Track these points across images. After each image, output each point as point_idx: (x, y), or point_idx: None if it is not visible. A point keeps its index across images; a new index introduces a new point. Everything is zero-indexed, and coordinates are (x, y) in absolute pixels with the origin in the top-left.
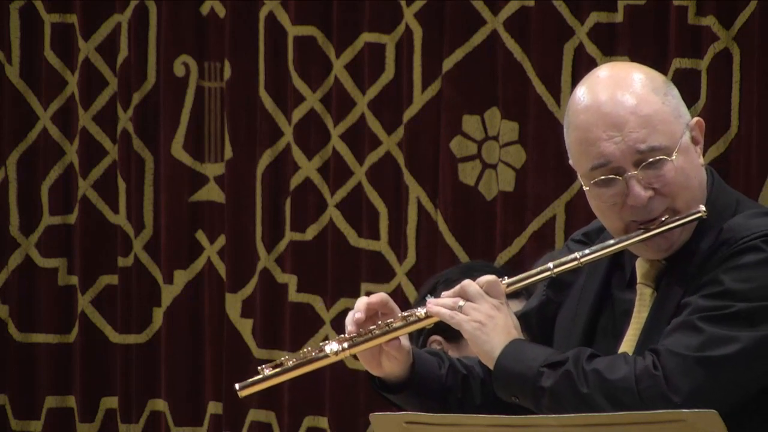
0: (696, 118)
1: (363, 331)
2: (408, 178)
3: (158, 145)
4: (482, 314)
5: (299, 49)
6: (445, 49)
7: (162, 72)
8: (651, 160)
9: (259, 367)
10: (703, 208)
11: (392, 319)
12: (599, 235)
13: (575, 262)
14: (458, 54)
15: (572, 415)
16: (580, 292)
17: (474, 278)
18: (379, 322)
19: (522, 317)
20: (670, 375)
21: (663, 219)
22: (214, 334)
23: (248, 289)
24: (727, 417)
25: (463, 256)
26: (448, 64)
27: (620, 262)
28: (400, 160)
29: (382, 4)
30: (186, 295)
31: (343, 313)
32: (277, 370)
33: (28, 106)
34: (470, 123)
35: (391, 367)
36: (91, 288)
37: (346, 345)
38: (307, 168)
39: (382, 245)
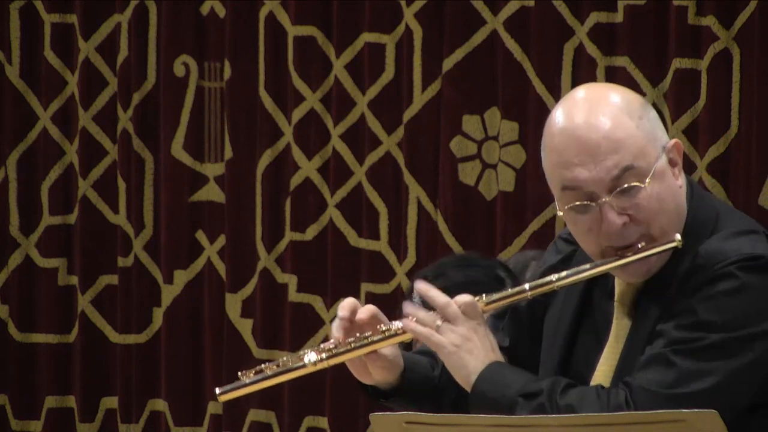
0: (674, 140)
1: (342, 343)
2: (408, 178)
3: (158, 145)
4: (459, 336)
5: (299, 49)
6: (445, 49)
7: (162, 72)
8: (625, 186)
9: (239, 373)
10: (678, 237)
11: (371, 332)
12: None
13: (551, 285)
14: (458, 54)
15: (572, 415)
16: (564, 295)
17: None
18: (358, 335)
19: (512, 313)
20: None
21: (639, 246)
22: (214, 334)
23: (248, 289)
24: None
25: None
26: (448, 64)
27: None
28: (400, 160)
29: (382, 4)
30: (186, 295)
31: None
32: (257, 377)
33: (28, 106)
34: (470, 123)
35: (380, 375)
36: (91, 288)
37: (324, 356)
38: (307, 168)
39: (382, 245)
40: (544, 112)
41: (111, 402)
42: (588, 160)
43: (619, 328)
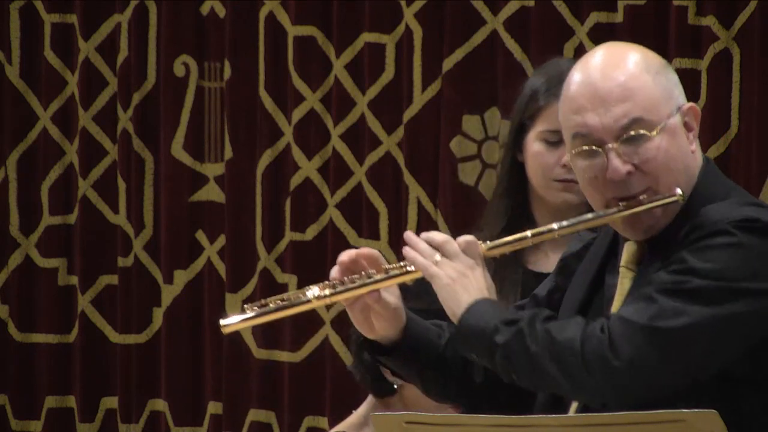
0: (690, 104)
1: (346, 280)
2: (408, 178)
3: (158, 145)
4: (455, 271)
5: (299, 49)
6: (445, 49)
7: (162, 72)
8: (632, 134)
9: (244, 305)
10: (680, 191)
11: (374, 270)
12: None
13: (552, 233)
14: (458, 54)
15: (572, 415)
16: (579, 277)
17: None
18: (363, 272)
19: (532, 300)
20: (614, 339)
21: (641, 198)
22: (214, 334)
23: (248, 289)
24: (727, 417)
25: None
26: (448, 64)
27: (615, 249)
28: (400, 160)
29: (382, 4)
30: (186, 295)
31: (343, 313)
32: (261, 310)
33: (28, 106)
34: (470, 123)
35: (381, 327)
36: (91, 288)
37: (327, 291)
38: (307, 168)
39: (382, 245)
40: None
41: (111, 402)
42: (599, 105)
43: (622, 290)
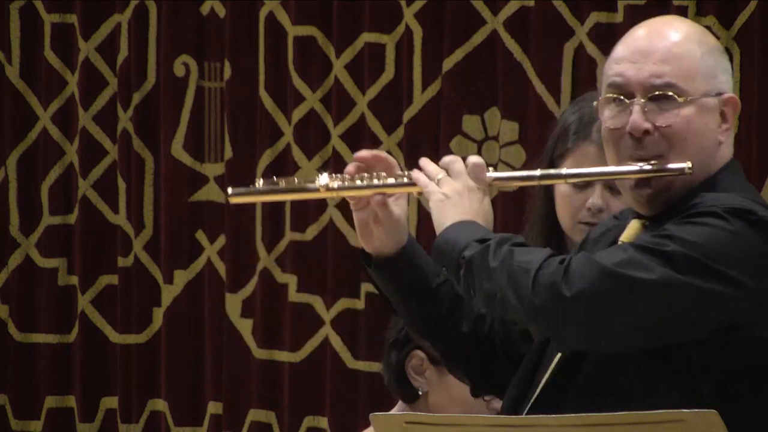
0: (731, 94)
1: (356, 177)
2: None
3: (158, 145)
4: (452, 190)
5: (299, 49)
6: (445, 49)
7: (162, 72)
8: (661, 93)
9: (255, 179)
10: (689, 164)
11: (386, 174)
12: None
13: (560, 178)
14: (458, 54)
15: (572, 415)
16: None
17: None
18: (374, 173)
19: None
20: (572, 271)
21: (652, 163)
22: (214, 334)
23: (248, 289)
24: (728, 417)
25: None
26: (448, 64)
27: None
28: (400, 160)
29: (382, 4)
30: (186, 295)
31: (343, 313)
32: (269, 187)
33: (28, 106)
34: (470, 123)
35: (380, 238)
36: (91, 288)
37: (336, 185)
38: (307, 168)
39: None
40: (544, 112)
41: (111, 402)
42: (640, 59)
43: None
